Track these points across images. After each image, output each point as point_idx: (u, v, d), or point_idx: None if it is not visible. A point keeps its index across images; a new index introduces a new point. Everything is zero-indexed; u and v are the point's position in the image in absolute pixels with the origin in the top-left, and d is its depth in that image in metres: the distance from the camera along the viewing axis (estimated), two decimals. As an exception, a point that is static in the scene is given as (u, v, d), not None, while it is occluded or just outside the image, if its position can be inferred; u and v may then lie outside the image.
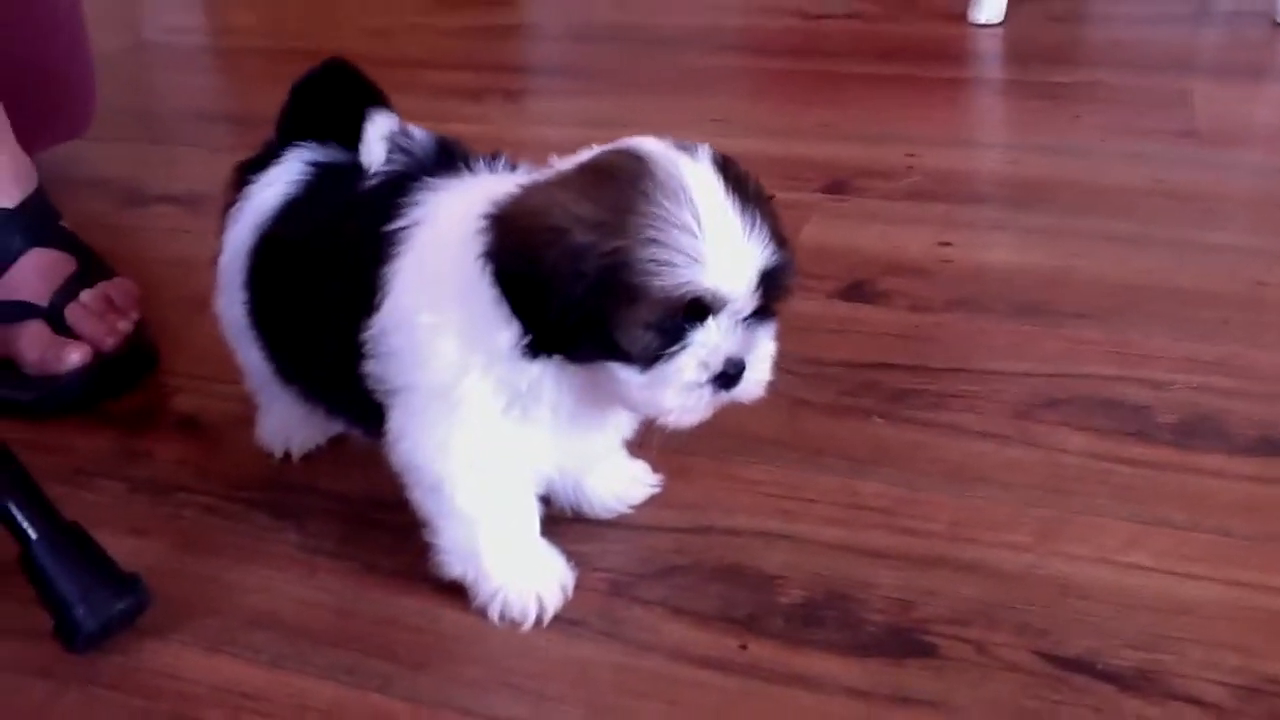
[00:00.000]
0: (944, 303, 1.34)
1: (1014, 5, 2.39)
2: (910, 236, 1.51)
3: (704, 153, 0.79)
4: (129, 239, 1.63)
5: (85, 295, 1.28)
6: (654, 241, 0.75)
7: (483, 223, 0.81)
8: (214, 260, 1.05)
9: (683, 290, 0.75)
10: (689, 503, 1.03)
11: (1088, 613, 0.88)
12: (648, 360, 0.78)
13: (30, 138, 1.49)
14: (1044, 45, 2.29)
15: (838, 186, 1.67)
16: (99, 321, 1.26)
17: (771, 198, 0.82)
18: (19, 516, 0.87)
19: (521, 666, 0.87)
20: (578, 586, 0.93)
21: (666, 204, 0.75)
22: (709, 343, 0.78)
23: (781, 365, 1.20)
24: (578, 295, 0.76)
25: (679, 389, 0.79)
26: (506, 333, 0.80)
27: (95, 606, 0.86)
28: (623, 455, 1.02)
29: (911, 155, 1.76)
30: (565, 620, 0.90)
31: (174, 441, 1.17)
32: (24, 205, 1.32)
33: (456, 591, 0.93)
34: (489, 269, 0.80)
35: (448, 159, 0.93)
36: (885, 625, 0.88)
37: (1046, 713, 0.80)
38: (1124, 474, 1.03)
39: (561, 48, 2.61)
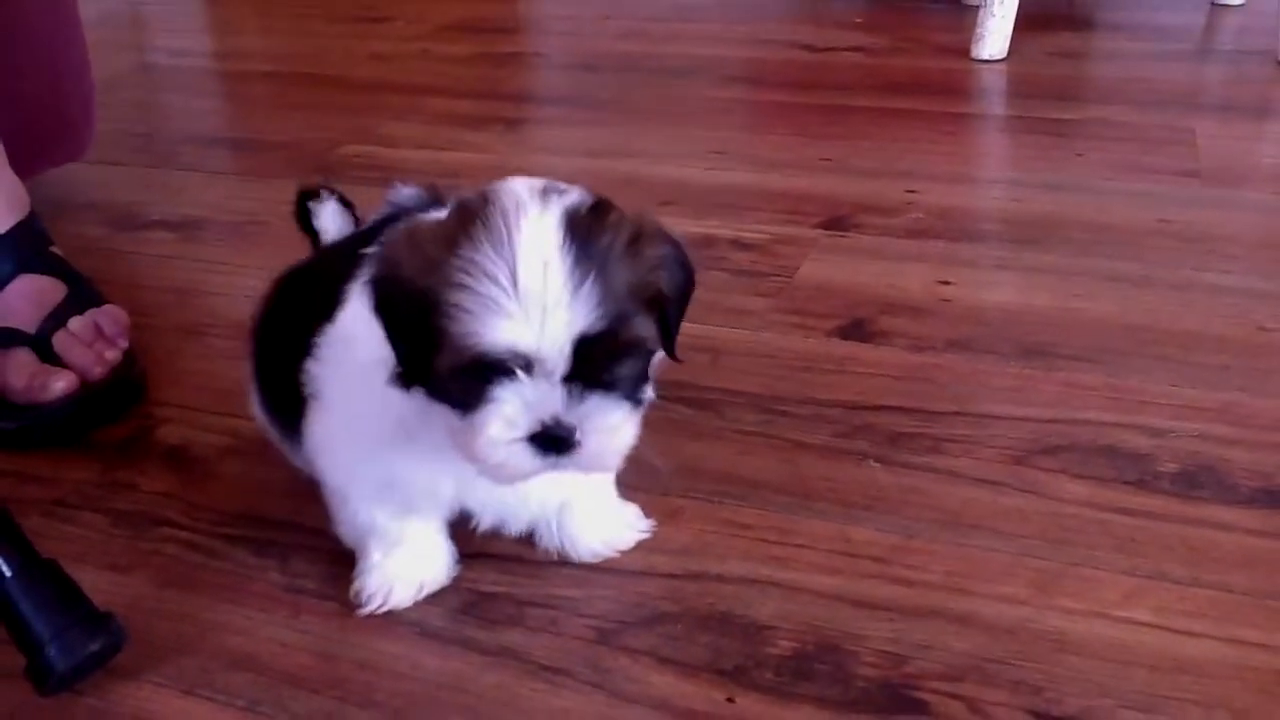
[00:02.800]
0: (943, 343, 1.33)
1: (1017, 41, 2.38)
2: (910, 274, 1.49)
3: (561, 199, 0.75)
4: (123, 264, 1.62)
5: (74, 323, 1.26)
6: (462, 287, 0.72)
7: (372, 251, 0.81)
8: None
9: (479, 342, 0.72)
10: (680, 547, 1.01)
11: (1084, 670, 0.86)
12: (463, 407, 0.76)
13: (27, 161, 1.49)
14: (1047, 82, 2.28)
15: (837, 222, 1.66)
16: (87, 350, 1.24)
17: (648, 250, 0.76)
18: (-7, 553, 0.86)
19: (504, 717, 0.85)
20: (564, 634, 0.91)
21: (487, 250, 0.72)
22: (514, 400, 0.74)
23: (777, 406, 1.22)
24: (400, 331, 0.77)
25: (487, 442, 0.75)
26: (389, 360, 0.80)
27: (68, 647, 0.84)
28: (613, 498, 1.01)
29: (912, 191, 1.75)
30: (552, 669, 0.88)
31: (159, 474, 1.15)
32: (14, 231, 1.31)
33: (440, 637, 0.91)
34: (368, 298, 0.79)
35: (437, 200, 0.94)
36: (876, 680, 0.86)
37: (1041, 775, 0.78)
38: (1123, 525, 1.01)
39: (565, 77, 2.61)
